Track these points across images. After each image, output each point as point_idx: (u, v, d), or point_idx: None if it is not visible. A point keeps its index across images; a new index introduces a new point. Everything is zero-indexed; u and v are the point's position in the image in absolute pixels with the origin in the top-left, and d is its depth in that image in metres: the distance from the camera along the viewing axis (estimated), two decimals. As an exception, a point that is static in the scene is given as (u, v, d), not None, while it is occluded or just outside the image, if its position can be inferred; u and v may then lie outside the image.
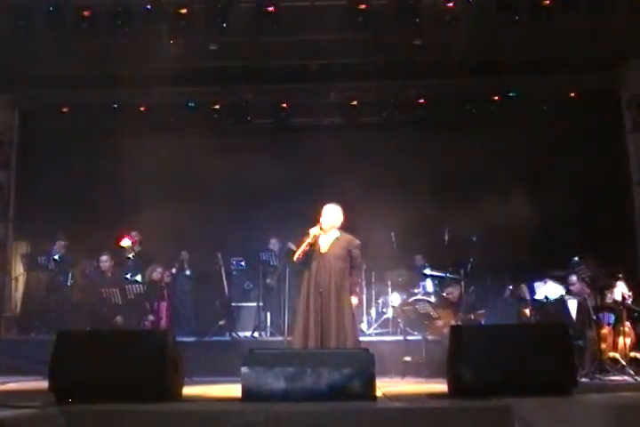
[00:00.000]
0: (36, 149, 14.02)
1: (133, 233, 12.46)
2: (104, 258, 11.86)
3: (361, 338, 9.73)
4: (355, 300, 8.56)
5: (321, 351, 7.39)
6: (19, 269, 13.43)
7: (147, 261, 12.30)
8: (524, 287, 10.80)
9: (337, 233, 8.53)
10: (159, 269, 11.99)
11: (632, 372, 8.90)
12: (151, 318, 11.53)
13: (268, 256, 12.17)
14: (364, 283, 12.25)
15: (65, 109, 13.82)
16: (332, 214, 8.56)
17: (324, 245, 8.41)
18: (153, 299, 11.66)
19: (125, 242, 12.28)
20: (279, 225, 12.83)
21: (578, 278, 10.05)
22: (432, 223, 12.49)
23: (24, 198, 13.82)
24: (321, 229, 8.44)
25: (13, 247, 13.79)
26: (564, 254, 10.72)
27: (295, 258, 8.48)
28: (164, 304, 11.83)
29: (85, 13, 11.17)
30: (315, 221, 8.53)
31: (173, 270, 12.70)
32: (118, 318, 11.06)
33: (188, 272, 12.86)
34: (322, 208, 8.62)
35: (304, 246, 8.37)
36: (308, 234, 8.41)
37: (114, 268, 11.94)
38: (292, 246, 10.90)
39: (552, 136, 13.78)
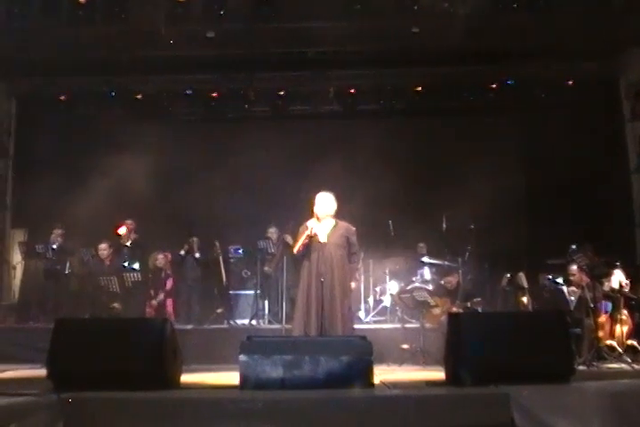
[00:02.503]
0: (33, 137, 13.98)
1: (129, 221, 12.44)
2: (103, 246, 11.87)
3: (359, 326, 9.78)
4: (353, 285, 8.57)
5: (318, 339, 7.39)
6: (16, 258, 13.44)
7: (143, 248, 12.31)
8: (521, 275, 10.81)
9: (333, 221, 8.46)
10: (160, 256, 12.00)
11: (629, 359, 8.92)
12: (155, 303, 11.59)
13: (265, 244, 12.15)
14: (361, 270, 12.26)
15: (62, 97, 13.80)
16: (325, 203, 8.47)
17: (322, 235, 8.32)
18: (157, 285, 11.71)
19: (122, 230, 12.29)
20: (277, 213, 12.80)
21: (578, 267, 10.04)
22: (430, 211, 12.49)
23: (22, 186, 13.81)
24: (317, 218, 8.43)
25: (11, 235, 13.80)
26: (562, 243, 10.72)
27: (295, 251, 8.43)
28: (170, 290, 11.90)
29: (82, 0, 11.13)
30: (310, 210, 8.50)
31: (182, 252, 12.63)
32: (116, 305, 11.10)
33: (197, 255, 12.71)
34: (314, 197, 8.57)
35: (303, 239, 8.32)
36: (306, 227, 8.38)
37: (112, 256, 11.94)
38: (289, 239, 10.89)
39: (550, 124, 13.75)
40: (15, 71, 13.32)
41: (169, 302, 12.05)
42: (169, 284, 12.17)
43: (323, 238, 8.29)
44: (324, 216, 8.41)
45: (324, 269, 8.14)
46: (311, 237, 8.29)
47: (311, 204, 8.50)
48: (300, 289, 8.30)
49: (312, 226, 8.31)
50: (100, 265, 11.85)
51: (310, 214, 8.47)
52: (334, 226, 8.42)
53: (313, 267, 8.22)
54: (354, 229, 8.55)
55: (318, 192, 8.59)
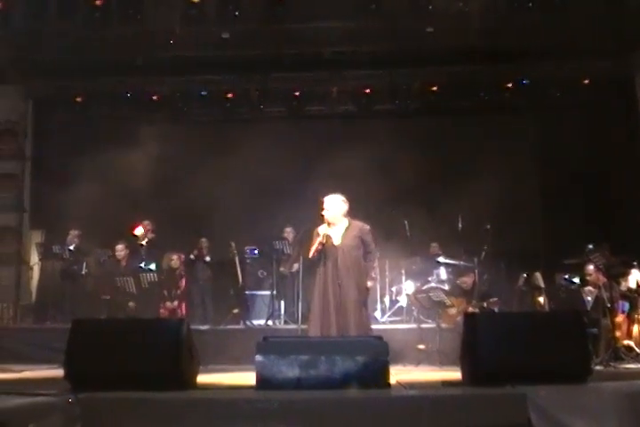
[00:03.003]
0: (49, 139, 14.07)
1: (145, 222, 12.48)
2: (120, 247, 11.90)
3: (374, 326, 9.74)
4: (369, 283, 8.44)
5: (335, 339, 7.39)
6: (33, 258, 13.50)
7: (160, 249, 12.34)
8: (538, 275, 10.77)
9: (345, 222, 8.32)
10: (175, 257, 12.02)
11: (646, 360, 8.89)
12: (169, 304, 11.60)
13: (281, 244, 12.15)
14: (377, 270, 12.25)
15: (78, 99, 13.88)
16: (333, 205, 8.31)
17: (335, 238, 8.21)
18: (171, 286, 11.73)
19: (138, 230, 12.33)
20: (293, 213, 12.80)
21: (594, 267, 9.99)
22: (446, 211, 12.46)
23: (38, 188, 13.88)
24: (328, 223, 8.30)
25: (28, 236, 13.87)
26: (579, 242, 10.68)
27: (310, 256, 8.33)
28: (182, 291, 11.91)
29: (97, 2, 11.19)
30: (319, 214, 8.34)
31: (192, 256, 12.66)
32: (131, 304, 11.18)
33: (207, 258, 12.75)
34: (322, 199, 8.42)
35: (316, 246, 8.19)
36: (317, 233, 8.27)
37: (129, 257, 11.97)
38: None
39: (565, 123, 13.72)
40: (31, 73, 13.40)
41: (182, 304, 12.06)
42: (182, 284, 12.18)
43: (336, 241, 8.21)
44: (334, 219, 8.30)
45: (339, 273, 8.05)
46: (323, 244, 8.21)
47: (320, 207, 8.41)
48: (316, 293, 8.19)
49: (323, 232, 8.20)
50: (116, 266, 11.88)
51: (320, 217, 8.37)
52: (347, 227, 8.29)
53: (329, 271, 8.11)
54: (368, 227, 8.38)
55: (327, 193, 8.49)
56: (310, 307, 8.41)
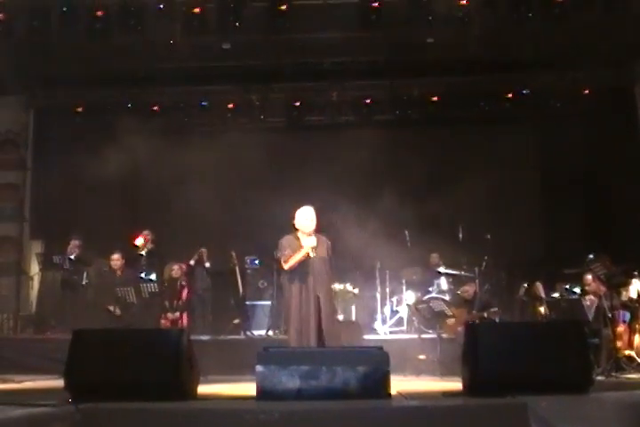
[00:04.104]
0: (50, 149, 14.07)
1: (146, 232, 12.44)
2: (115, 257, 11.85)
3: (375, 336, 9.72)
4: None
5: (335, 350, 7.38)
6: (34, 269, 13.49)
7: (160, 258, 12.31)
8: (539, 285, 10.77)
9: (314, 235, 8.30)
10: (176, 267, 12.00)
11: (647, 370, 8.88)
12: (171, 315, 11.56)
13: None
14: (377, 281, 12.26)
15: (79, 109, 13.89)
16: (312, 217, 8.35)
17: (312, 250, 8.20)
18: (172, 297, 11.69)
19: (139, 240, 12.29)
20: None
21: (593, 277, 9.98)
22: (446, 221, 12.46)
23: (39, 198, 13.88)
24: (307, 234, 8.27)
25: (28, 246, 13.86)
26: (579, 252, 10.67)
27: (288, 267, 8.24)
28: (184, 302, 11.87)
29: (99, 13, 11.21)
30: (293, 225, 8.37)
31: (192, 262, 12.61)
32: (111, 308, 11.25)
33: (207, 264, 12.71)
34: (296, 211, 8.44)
35: (300, 257, 8.13)
36: (297, 244, 8.20)
37: (125, 267, 11.93)
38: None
39: (565, 133, 13.73)
40: (33, 84, 13.43)
41: (183, 315, 12.02)
42: (184, 295, 12.15)
43: (312, 253, 8.19)
44: (310, 231, 8.30)
45: (317, 285, 8.07)
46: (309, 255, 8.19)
47: (292, 217, 8.39)
48: (294, 305, 8.14)
49: (311, 244, 8.14)
50: (112, 276, 11.87)
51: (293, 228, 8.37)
52: (317, 240, 8.27)
53: (308, 283, 8.09)
54: (330, 242, 8.43)
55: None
56: (288, 318, 8.34)
